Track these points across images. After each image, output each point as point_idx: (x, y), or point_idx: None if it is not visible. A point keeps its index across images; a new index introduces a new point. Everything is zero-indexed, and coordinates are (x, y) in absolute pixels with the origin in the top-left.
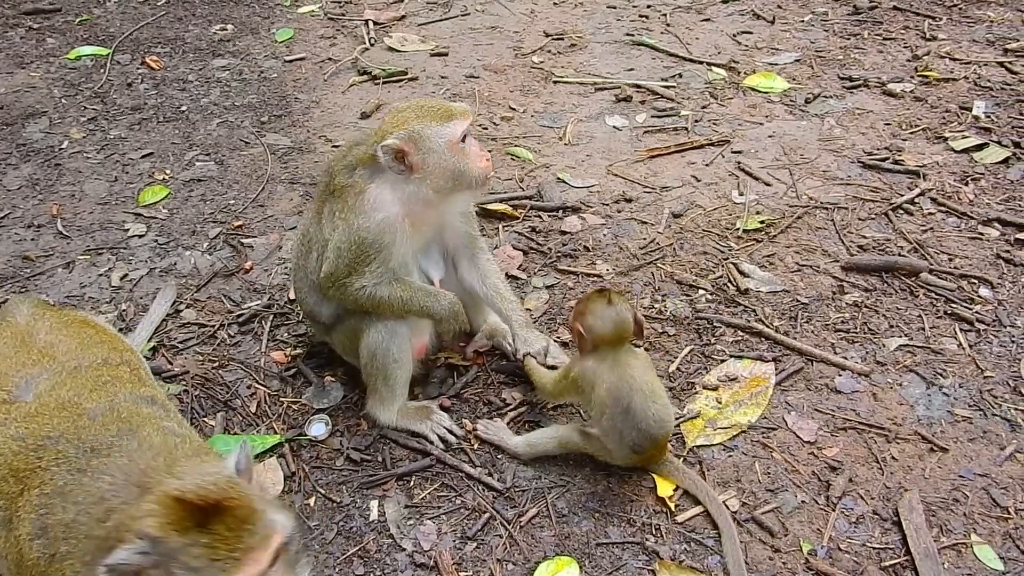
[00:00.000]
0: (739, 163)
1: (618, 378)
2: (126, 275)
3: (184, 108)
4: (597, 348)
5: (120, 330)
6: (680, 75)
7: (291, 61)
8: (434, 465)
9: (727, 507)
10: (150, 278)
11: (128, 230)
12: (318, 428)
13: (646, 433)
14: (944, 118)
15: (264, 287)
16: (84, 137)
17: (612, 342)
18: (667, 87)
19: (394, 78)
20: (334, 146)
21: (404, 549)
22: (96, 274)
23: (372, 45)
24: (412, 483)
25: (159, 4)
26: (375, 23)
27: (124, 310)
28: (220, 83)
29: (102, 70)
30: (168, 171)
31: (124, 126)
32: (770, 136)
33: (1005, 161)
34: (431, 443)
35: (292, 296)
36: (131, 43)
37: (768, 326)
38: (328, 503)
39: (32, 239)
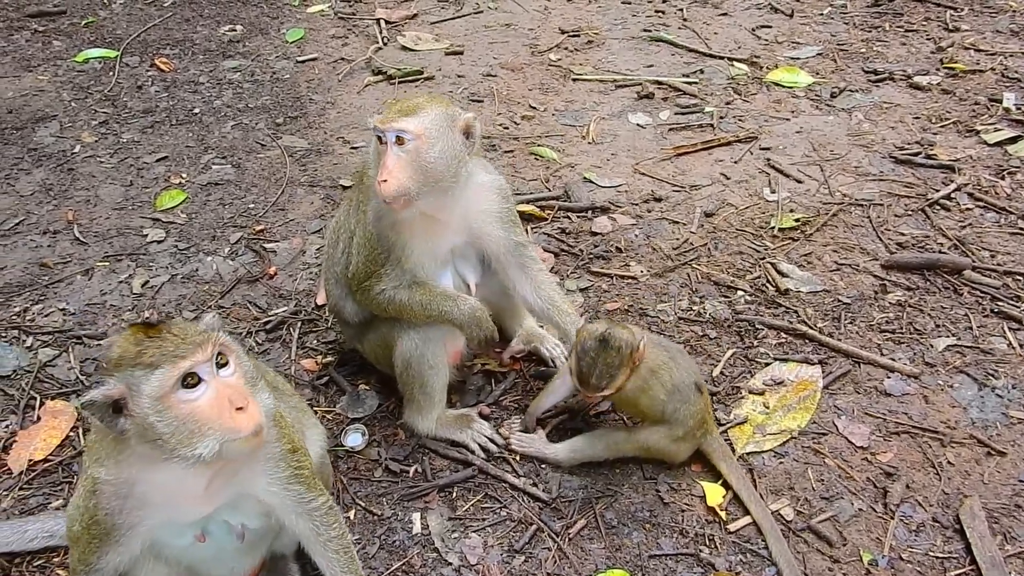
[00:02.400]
0: (768, 160)
1: (653, 357)
2: (147, 282)
3: (197, 110)
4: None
5: None
6: (702, 71)
7: (303, 61)
8: (476, 476)
9: (769, 509)
10: (172, 284)
11: (147, 235)
12: (355, 438)
13: (698, 376)
14: (974, 111)
15: (290, 293)
16: (96, 141)
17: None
18: (689, 83)
19: (410, 78)
20: (353, 148)
21: (450, 563)
22: (116, 281)
23: (385, 44)
24: (455, 494)
25: (165, 5)
26: (387, 22)
27: (148, 318)
28: (232, 84)
29: (111, 72)
30: (184, 175)
31: (136, 129)
32: (797, 132)
33: None
34: (472, 452)
35: (320, 301)
36: (139, 45)
37: (812, 327)
38: (368, 516)
39: (49, 246)
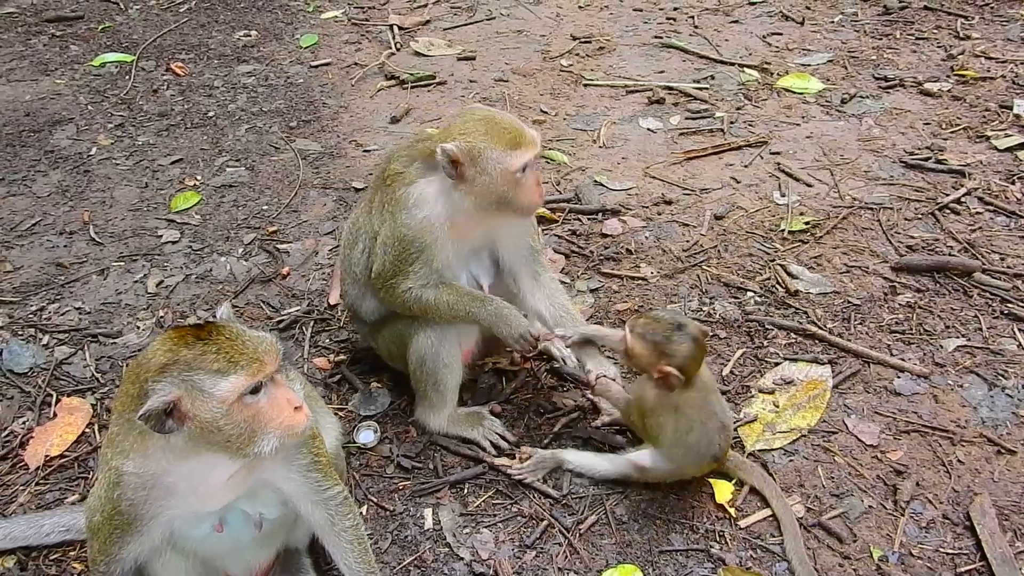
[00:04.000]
0: (778, 164)
1: (698, 391)
2: (162, 282)
3: (212, 114)
4: (690, 379)
5: None
6: (712, 77)
7: (317, 66)
8: (487, 472)
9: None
10: (186, 284)
11: (161, 236)
12: (367, 435)
13: (727, 430)
14: (984, 117)
15: (303, 293)
16: (112, 144)
17: (698, 370)
18: (700, 89)
19: (422, 82)
20: (365, 151)
21: (462, 558)
22: (132, 281)
23: (398, 50)
24: (466, 490)
25: (181, 11)
26: (400, 28)
27: (162, 317)
28: (247, 89)
29: (127, 76)
30: (199, 177)
31: (152, 132)
32: (808, 137)
33: None
34: (484, 450)
35: (332, 300)
36: (155, 50)
37: (821, 328)
38: (381, 511)
39: (65, 246)
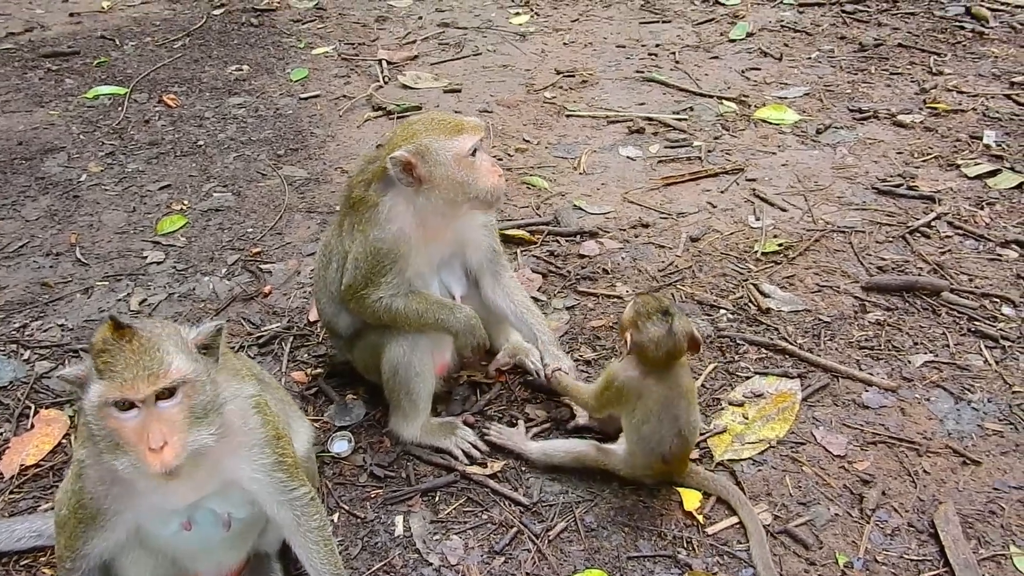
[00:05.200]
0: (754, 190)
1: (667, 388)
2: (144, 300)
3: (201, 143)
4: (647, 364)
5: None
6: (691, 108)
7: (306, 98)
8: (459, 480)
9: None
10: (168, 303)
11: (146, 257)
12: (340, 445)
13: (685, 440)
14: (955, 147)
15: (283, 310)
16: (102, 171)
17: (664, 363)
18: (679, 119)
19: (408, 113)
20: (350, 177)
21: (431, 564)
22: (115, 299)
23: (386, 83)
24: (437, 498)
25: (176, 47)
26: (388, 62)
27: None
28: (236, 119)
29: (119, 108)
30: (186, 202)
31: (142, 160)
32: (783, 165)
33: (1019, 187)
34: (456, 459)
35: (312, 317)
36: (148, 83)
37: (792, 344)
38: (352, 519)
39: (50, 266)
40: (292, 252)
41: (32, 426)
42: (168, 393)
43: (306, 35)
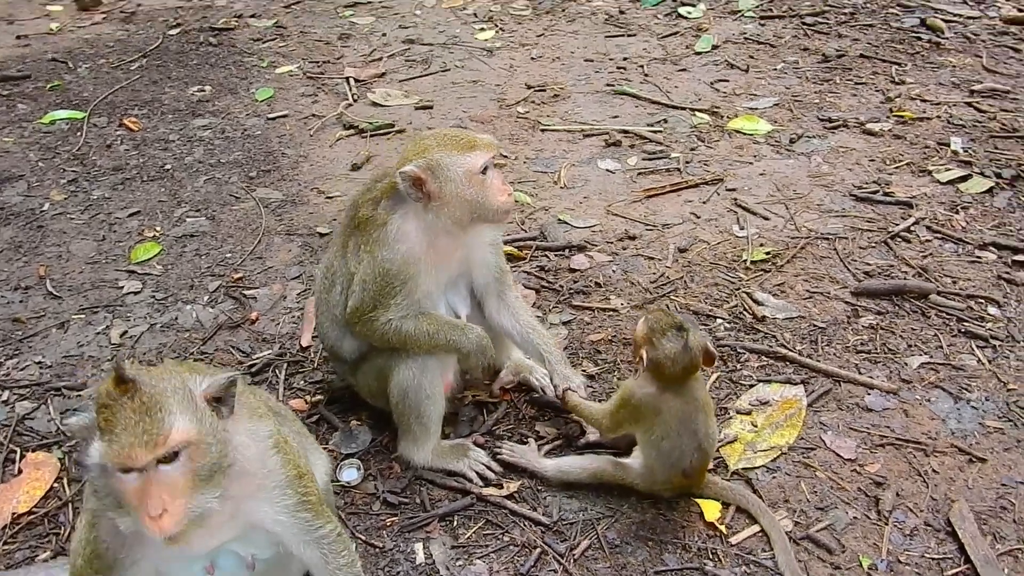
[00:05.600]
0: (735, 200)
1: (685, 403)
2: (125, 332)
3: (168, 167)
4: (663, 381)
5: None
6: (665, 120)
7: (274, 118)
8: (475, 503)
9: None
10: (151, 334)
11: (123, 287)
12: (350, 473)
13: (705, 453)
14: (925, 153)
15: (273, 336)
16: (66, 199)
17: (681, 379)
18: (654, 132)
19: (381, 131)
20: (328, 197)
21: None
22: (93, 332)
23: (355, 101)
24: (455, 523)
25: (132, 69)
26: (356, 80)
27: (121, 370)
28: (203, 142)
29: (78, 133)
30: (158, 228)
31: (107, 186)
32: (761, 174)
33: (990, 191)
34: (470, 481)
35: (304, 343)
36: (107, 106)
37: (791, 350)
38: (370, 549)
39: (21, 301)
40: (275, 276)
41: (20, 471)
42: (170, 456)
43: (268, 54)
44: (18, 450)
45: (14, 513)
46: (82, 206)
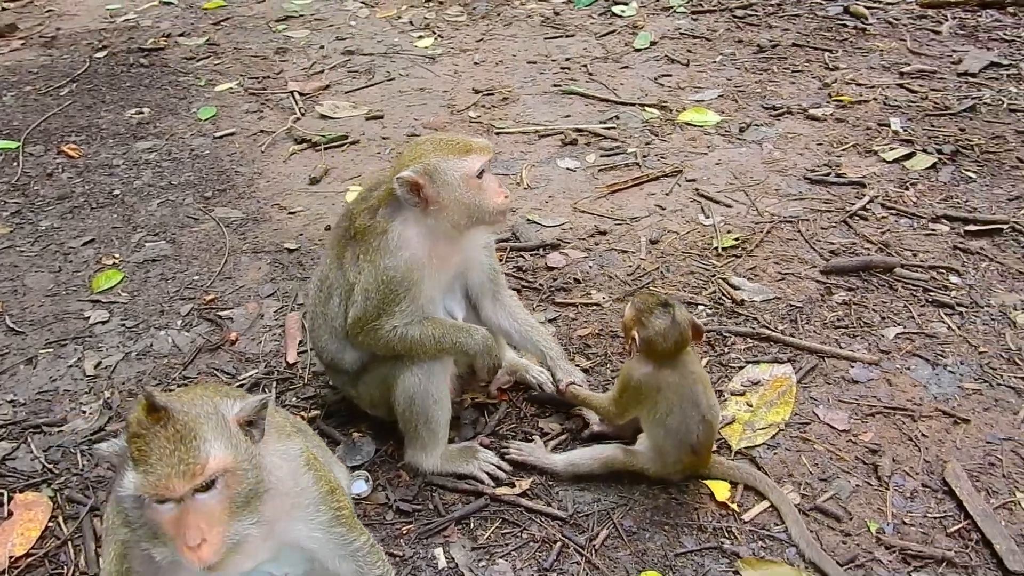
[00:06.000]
0: (696, 189)
1: (682, 376)
2: (100, 363)
3: (117, 192)
4: (657, 358)
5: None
6: (617, 117)
7: (221, 137)
8: (490, 504)
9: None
10: (127, 363)
11: (88, 318)
12: (359, 485)
13: (710, 425)
14: (868, 134)
15: (256, 356)
16: (11, 231)
17: (673, 354)
18: (608, 128)
19: (335, 143)
20: (290, 213)
21: None
22: (65, 366)
23: (303, 115)
24: (472, 525)
25: (62, 94)
26: (301, 94)
27: (109, 398)
28: (150, 165)
29: (14, 163)
30: (116, 255)
31: (54, 216)
32: (717, 163)
33: (933, 167)
34: (482, 483)
35: (290, 360)
36: (40, 134)
37: (774, 331)
38: (391, 558)
39: None
40: (248, 295)
41: (10, 513)
42: (207, 485)
43: (204, 72)
44: (4, 492)
45: (11, 556)
46: (31, 238)
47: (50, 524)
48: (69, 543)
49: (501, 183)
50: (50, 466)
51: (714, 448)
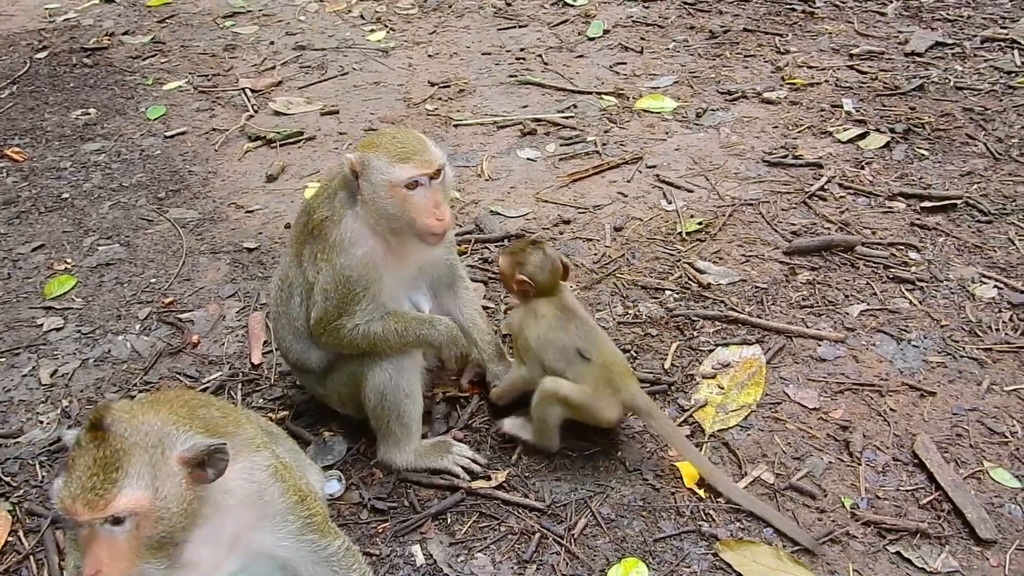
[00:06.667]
0: (657, 176)
1: (556, 301)
2: (56, 371)
3: (66, 195)
4: (539, 294)
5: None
6: (575, 106)
7: (172, 136)
8: (466, 498)
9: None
10: (84, 370)
11: (42, 325)
12: (332, 486)
13: (594, 334)
14: (822, 116)
15: (220, 358)
16: None
17: (551, 286)
18: (566, 118)
19: (291, 140)
20: (248, 211)
21: None
22: (19, 375)
23: (256, 112)
24: (449, 520)
25: (3, 97)
26: (252, 90)
27: (67, 407)
28: (99, 166)
29: None
30: (68, 260)
31: (1, 222)
32: (676, 149)
33: (887, 145)
34: (457, 477)
35: (255, 360)
36: None
37: (741, 313)
38: (368, 558)
39: None
40: (209, 297)
41: None
42: (116, 519)
43: (151, 71)
44: None
45: None
46: None
47: (10, 539)
48: (31, 557)
49: (440, 205)
50: (8, 479)
51: (686, 433)
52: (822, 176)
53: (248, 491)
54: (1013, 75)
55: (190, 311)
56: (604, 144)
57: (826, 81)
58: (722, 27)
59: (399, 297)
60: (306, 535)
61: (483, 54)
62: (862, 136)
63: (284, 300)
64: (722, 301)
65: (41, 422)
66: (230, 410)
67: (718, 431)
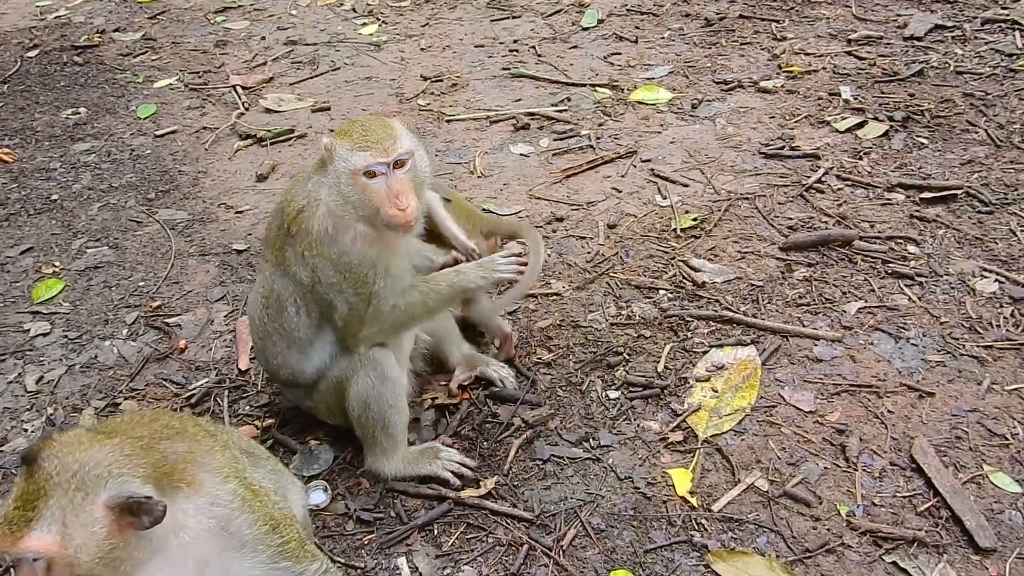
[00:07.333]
0: (652, 170)
1: None
2: (41, 378)
3: (55, 197)
4: None
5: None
6: (568, 99)
7: (162, 135)
8: (453, 508)
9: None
10: (71, 376)
11: (29, 330)
12: (317, 496)
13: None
14: (819, 105)
15: (207, 363)
16: None
17: None
18: (560, 111)
19: (281, 138)
20: (238, 212)
21: None
22: (4, 382)
23: (247, 109)
24: (436, 531)
25: None
26: (243, 88)
27: (52, 414)
28: (89, 167)
29: None
30: (57, 263)
31: None
32: (671, 142)
33: (886, 134)
34: (447, 482)
35: (243, 366)
36: None
37: (736, 312)
38: (351, 572)
39: None
40: (197, 301)
41: None
42: (29, 555)
43: (142, 69)
44: None
45: None
46: None
47: None
48: (11, 571)
49: (402, 195)
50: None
51: (679, 439)
52: (819, 168)
53: (207, 526)
54: (1014, 57)
55: (178, 315)
56: (598, 138)
57: (823, 68)
58: (718, 14)
59: (415, 257)
60: (279, 563)
61: (476, 46)
62: (860, 125)
63: (274, 316)
64: (717, 300)
65: (26, 430)
66: (204, 436)
67: (711, 436)
